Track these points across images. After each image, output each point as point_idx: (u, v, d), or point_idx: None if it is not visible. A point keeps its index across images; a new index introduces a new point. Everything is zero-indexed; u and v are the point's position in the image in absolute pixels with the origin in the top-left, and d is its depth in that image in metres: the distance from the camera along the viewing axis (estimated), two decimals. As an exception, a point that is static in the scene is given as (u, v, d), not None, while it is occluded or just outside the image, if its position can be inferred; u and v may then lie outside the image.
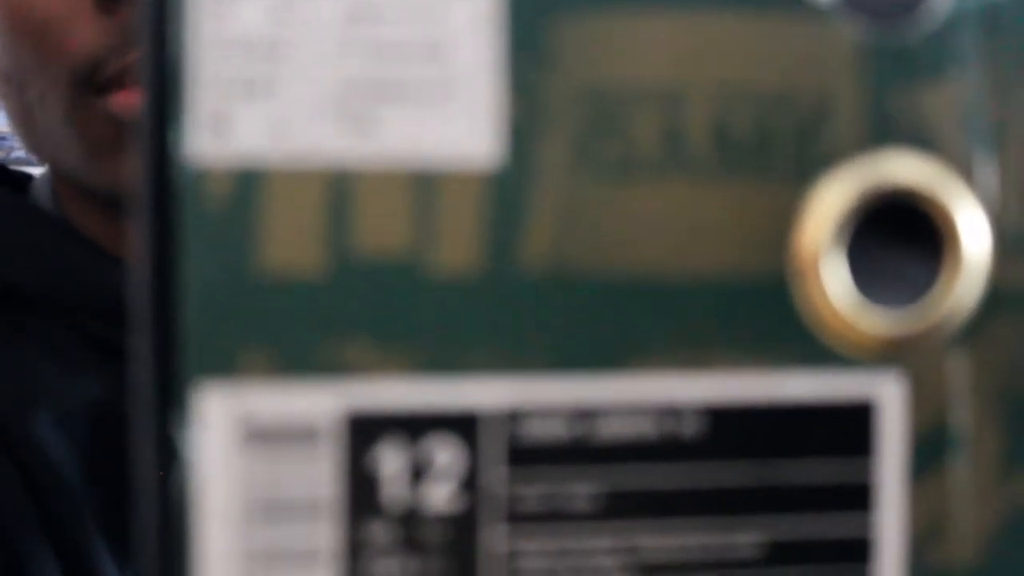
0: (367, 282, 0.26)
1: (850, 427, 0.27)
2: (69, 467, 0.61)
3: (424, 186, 0.26)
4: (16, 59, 0.61)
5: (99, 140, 0.60)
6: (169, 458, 0.25)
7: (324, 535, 0.26)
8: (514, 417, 0.26)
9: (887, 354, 0.27)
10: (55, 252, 0.64)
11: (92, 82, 0.59)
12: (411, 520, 0.26)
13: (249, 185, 0.25)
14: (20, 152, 0.70)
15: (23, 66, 0.61)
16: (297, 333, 0.26)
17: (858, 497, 0.27)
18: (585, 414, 0.27)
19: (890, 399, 0.27)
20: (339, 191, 0.26)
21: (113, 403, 0.62)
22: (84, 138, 0.61)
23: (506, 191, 0.26)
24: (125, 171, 0.59)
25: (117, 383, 0.62)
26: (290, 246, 0.26)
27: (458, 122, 0.26)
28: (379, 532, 0.26)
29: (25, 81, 0.61)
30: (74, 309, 0.64)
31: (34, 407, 0.62)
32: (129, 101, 0.58)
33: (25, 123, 0.63)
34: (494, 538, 0.26)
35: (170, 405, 0.25)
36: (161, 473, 0.25)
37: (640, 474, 0.27)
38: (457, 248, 0.26)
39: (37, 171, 0.71)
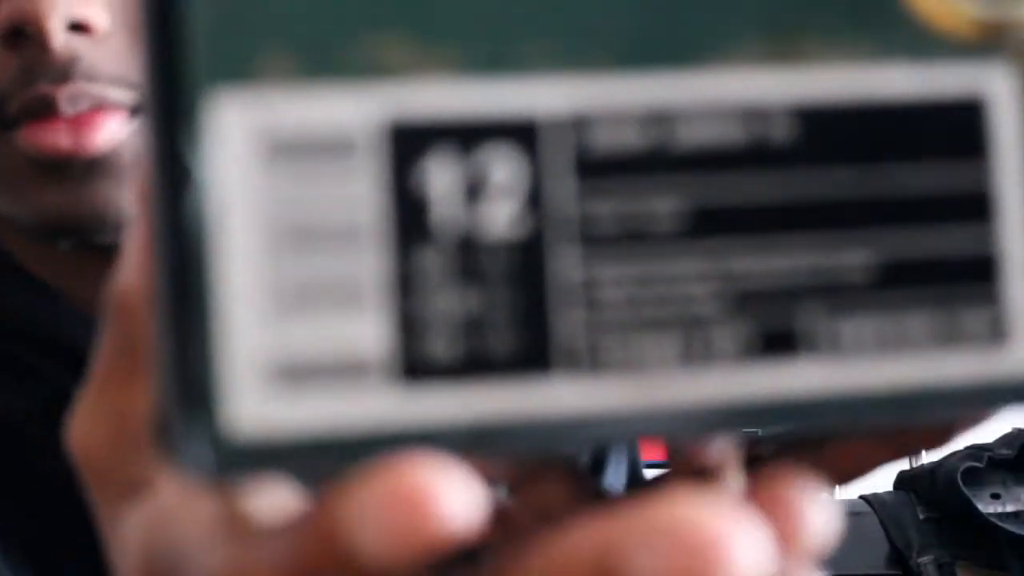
0: (400, -31, 0.22)
1: (960, 126, 0.24)
2: None
3: None
4: None
5: (12, 174, 0.60)
6: (181, 180, 0.21)
7: (367, 266, 0.22)
8: (580, 122, 0.23)
9: (994, 43, 0.24)
10: None
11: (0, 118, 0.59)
12: (467, 246, 0.22)
13: None
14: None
15: None
16: (325, 28, 0.22)
17: (974, 205, 0.24)
18: (662, 118, 0.23)
19: (999, 92, 0.24)
20: None
21: (8, 418, 0.62)
22: None
23: None
24: (42, 206, 0.59)
25: (27, 399, 0.62)
26: (308, -70, 0.22)
27: None
28: (431, 261, 0.22)
29: None
30: None
31: None
32: (37, 136, 0.58)
33: None
34: (566, 265, 0.22)
35: (179, 118, 0.21)
36: (172, 197, 0.21)
37: (728, 186, 0.23)
38: (501, -70, 0.23)
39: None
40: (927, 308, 0.23)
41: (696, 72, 0.23)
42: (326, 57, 0.22)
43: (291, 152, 0.22)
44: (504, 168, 0.22)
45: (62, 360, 0.62)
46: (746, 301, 0.23)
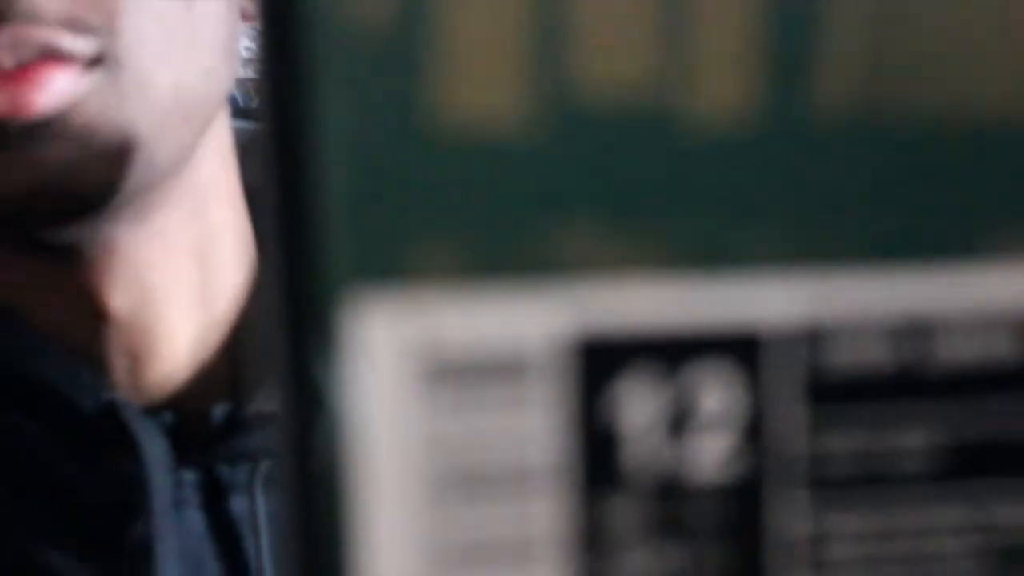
0: (593, 138, 0.17)
1: None
2: None
3: (672, -4, 0.18)
4: None
5: None
6: (312, 410, 0.17)
7: (542, 519, 0.17)
8: (814, 335, 0.18)
9: None
10: None
11: None
12: (669, 492, 0.18)
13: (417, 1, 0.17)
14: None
15: None
16: (494, 217, 0.17)
17: None
18: (916, 330, 0.18)
19: None
20: (550, 4, 0.17)
21: None
22: None
23: (788, 3, 0.18)
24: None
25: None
26: (480, 87, 0.17)
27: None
28: (624, 512, 0.18)
29: None
30: None
31: None
32: None
33: None
34: (791, 515, 0.18)
35: (311, 328, 0.17)
36: (301, 432, 0.17)
37: (993, 416, 0.18)
38: (720, 85, 0.18)
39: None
40: None
41: (959, 270, 0.18)
42: (495, 252, 0.17)
43: (453, 375, 0.17)
44: (717, 394, 0.18)
45: (19, 399, 0.52)
46: (1011, 559, 0.18)
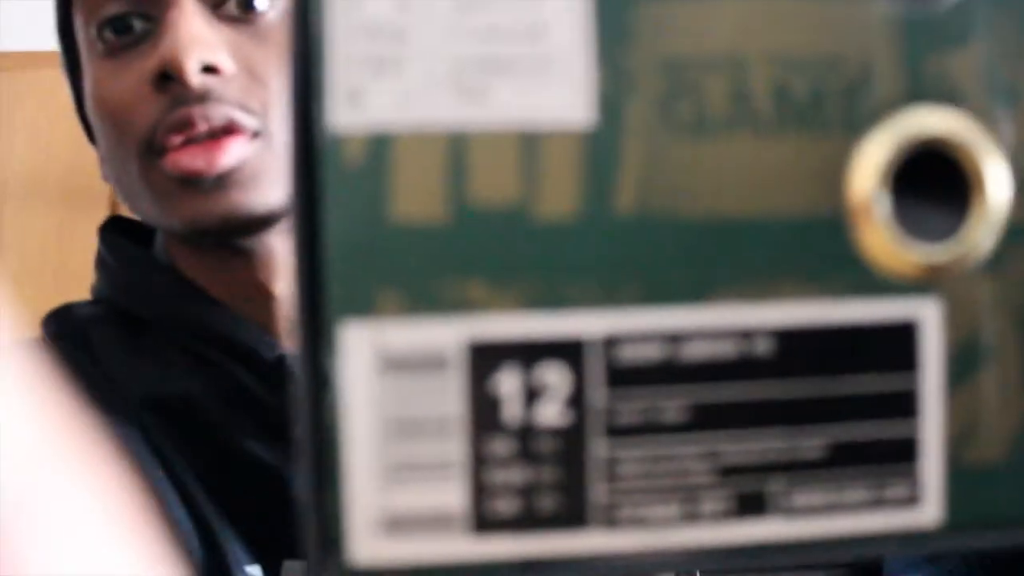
0: (482, 229, 0.30)
1: (896, 344, 0.32)
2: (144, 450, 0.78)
3: (529, 145, 0.30)
4: (107, 141, 0.81)
5: (162, 192, 0.78)
6: (321, 384, 0.30)
7: (453, 449, 0.30)
8: (612, 343, 0.31)
9: (926, 281, 0.32)
10: (159, 289, 0.83)
11: (152, 147, 0.77)
12: (527, 435, 0.30)
13: (380, 149, 0.30)
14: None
15: (111, 145, 0.80)
16: (424, 275, 0.30)
17: (904, 404, 0.32)
18: (673, 339, 0.31)
19: (930, 319, 0.32)
20: (456, 152, 0.30)
21: (198, 397, 0.79)
22: (152, 191, 0.78)
23: (599, 148, 0.30)
24: (185, 214, 0.77)
25: (203, 382, 0.79)
26: (416, 200, 0.30)
27: (557, 91, 0.30)
28: (500, 446, 0.30)
29: (114, 157, 0.81)
30: (172, 328, 0.81)
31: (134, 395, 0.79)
32: (179, 159, 0.76)
33: (120, 190, 0.82)
34: (598, 448, 0.31)
35: (320, 341, 0.30)
36: (314, 396, 0.30)
37: (721, 389, 0.31)
38: (559, 197, 0.30)
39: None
40: (863, 481, 0.32)
41: (699, 305, 0.31)
42: (425, 295, 0.30)
43: (398, 366, 0.30)
44: (555, 377, 0.30)
45: (218, 348, 0.78)
46: (730, 474, 0.31)
